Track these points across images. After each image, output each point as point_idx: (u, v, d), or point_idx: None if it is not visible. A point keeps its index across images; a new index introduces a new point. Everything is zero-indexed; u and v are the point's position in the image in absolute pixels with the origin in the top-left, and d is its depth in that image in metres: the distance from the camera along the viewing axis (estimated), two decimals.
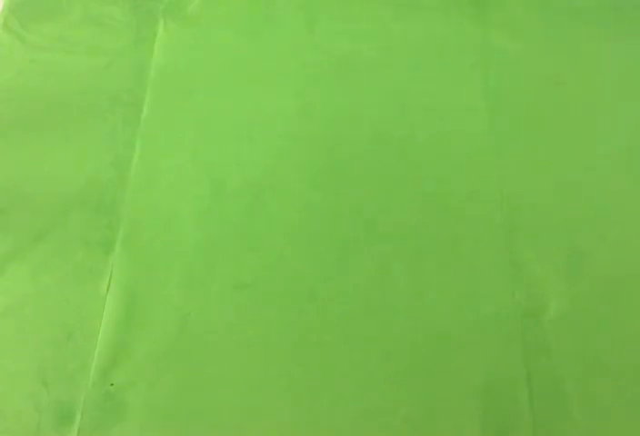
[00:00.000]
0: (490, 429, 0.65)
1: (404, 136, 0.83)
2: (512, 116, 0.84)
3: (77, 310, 0.72)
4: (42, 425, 0.66)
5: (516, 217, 0.77)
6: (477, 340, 0.69)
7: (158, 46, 0.91)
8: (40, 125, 0.85)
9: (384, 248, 0.75)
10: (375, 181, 0.80)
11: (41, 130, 0.84)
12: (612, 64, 0.89)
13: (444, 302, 0.72)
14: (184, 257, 0.75)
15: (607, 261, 0.74)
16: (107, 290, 0.73)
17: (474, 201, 0.78)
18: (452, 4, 0.94)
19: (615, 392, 0.66)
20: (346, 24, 0.93)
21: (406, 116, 0.85)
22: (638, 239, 0.75)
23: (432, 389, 0.67)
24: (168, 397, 0.67)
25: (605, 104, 0.86)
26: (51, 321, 0.71)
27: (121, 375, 0.68)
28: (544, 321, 0.70)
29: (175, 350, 0.70)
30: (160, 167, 0.81)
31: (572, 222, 0.77)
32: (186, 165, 0.81)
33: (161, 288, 0.73)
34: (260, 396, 0.67)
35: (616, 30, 0.92)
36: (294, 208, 0.78)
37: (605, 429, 0.65)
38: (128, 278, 0.74)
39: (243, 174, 0.80)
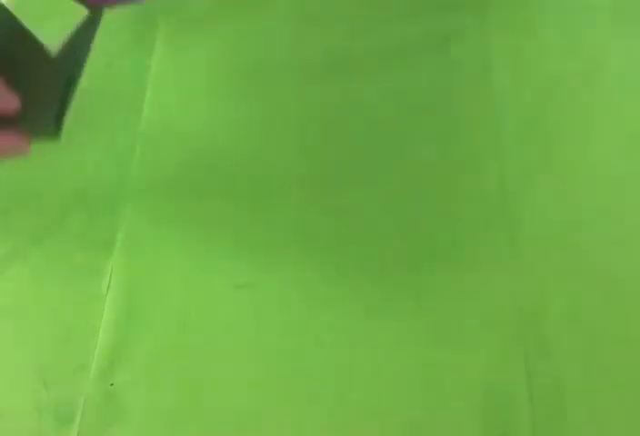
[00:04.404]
0: (490, 429, 0.65)
1: (403, 136, 0.83)
2: (512, 116, 0.84)
3: (77, 310, 0.72)
4: (42, 425, 0.66)
5: (516, 217, 0.77)
6: (477, 340, 0.69)
7: (158, 46, 0.91)
8: None
9: (383, 248, 0.75)
10: (375, 181, 0.80)
11: None
12: (612, 64, 0.88)
13: (444, 301, 0.72)
14: (184, 257, 0.75)
15: (608, 261, 0.74)
16: (107, 290, 0.73)
17: (474, 201, 0.78)
18: (452, 3, 0.94)
19: (615, 392, 0.66)
20: (346, 24, 0.93)
21: (406, 116, 0.85)
22: (639, 239, 0.75)
23: (432, 389, 0.67)
24: (168, 397, 0.67)
25: (606, 104, 0.85)
26: (51, 321, 0.71)
27: (121, 375, 0.68)
28: (544, 321, 0.70)
29: (175, 350, 0.70)
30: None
31: (573, 222, 0.76)
32: None
33: (161, 288, 0.73)
34: (260, 396, 0.67)
35: (616, 30, 0.92)
36: (293, 208, 0.78)
37: (605, 429, 0.65)
38: (128, 278, 0.74)
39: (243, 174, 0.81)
